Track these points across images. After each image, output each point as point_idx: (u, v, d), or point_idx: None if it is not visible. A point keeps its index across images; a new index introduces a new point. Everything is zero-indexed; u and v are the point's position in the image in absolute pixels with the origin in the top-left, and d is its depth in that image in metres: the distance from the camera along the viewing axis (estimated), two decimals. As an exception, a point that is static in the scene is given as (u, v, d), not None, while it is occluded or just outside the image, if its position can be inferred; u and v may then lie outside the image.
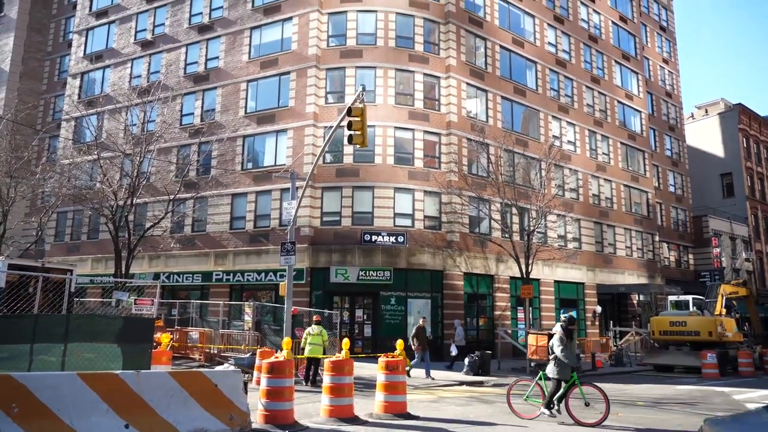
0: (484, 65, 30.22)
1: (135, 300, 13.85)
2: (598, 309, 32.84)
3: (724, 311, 25.70)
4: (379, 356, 10.68)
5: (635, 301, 35.36)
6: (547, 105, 33.27)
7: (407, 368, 15.66)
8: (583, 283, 33.06)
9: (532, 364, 21.08)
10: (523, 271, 23.63)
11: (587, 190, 34.78)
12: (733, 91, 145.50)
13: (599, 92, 37.28)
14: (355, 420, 9.60)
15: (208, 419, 8.03)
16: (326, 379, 9.77)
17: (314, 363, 15.52)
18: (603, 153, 36.68)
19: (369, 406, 10.52)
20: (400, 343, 11.33)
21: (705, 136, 52.13)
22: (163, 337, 13.71)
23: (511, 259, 25.29)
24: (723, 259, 43.19)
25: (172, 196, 24.67)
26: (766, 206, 51.64)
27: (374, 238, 25.32)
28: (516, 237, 26.79)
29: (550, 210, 27.03)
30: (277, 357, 9.45)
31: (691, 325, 23.75)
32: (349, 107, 13.55)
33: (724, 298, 26.23)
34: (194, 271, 28.57)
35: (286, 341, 10.64)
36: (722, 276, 40.22)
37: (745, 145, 51.11)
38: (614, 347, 27.33)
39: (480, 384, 18.24)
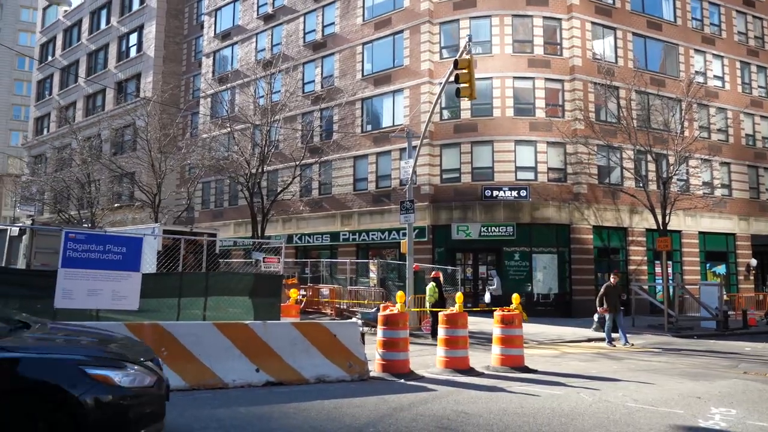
0: (611, 0, 27.68)
1: (264, 258, 14.97)
2: (753, 262, 29.52)
3: None
4: (495, 310, 10.62)
5: (801, 253, 31.19)
6: (688, 37, 29.77)
7: (606, 337, 15.46)
8: (734, 234, 29.81)
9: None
10: (660, 222, 21.82)
11: (738, 129, 30.90)
12: None
13: (754, 16, 32.54)
14: (470, 371, 9.70)
15: (329, 366, 8.59)
16: (440, 331, 9.94)
17: (434, 317, 15.84)
18: (759, 86, 32.20)
19: (489, 359, 10.54)
20: (516, 298, 11.14)
21: None
22: (292, 293, 14.74)
23: (646, 210, 23.48)
24: None
25: (298, 162, 26.03)
26: None
27: (495, 193, 24.80)
28: (652, 186, 24.73)
29: (691, 154, 24.48)
30: (392, 310, 9.78)
31: None
32: (456, 59, 13.19)
33: None
34: (323, 232, 30.12)
35: (399, 295, 10.91)
36: None
37: None
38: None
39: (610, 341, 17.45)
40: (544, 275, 24.84)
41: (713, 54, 30.57)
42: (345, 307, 22.35)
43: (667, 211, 21.83)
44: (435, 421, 6.47)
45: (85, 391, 3.99)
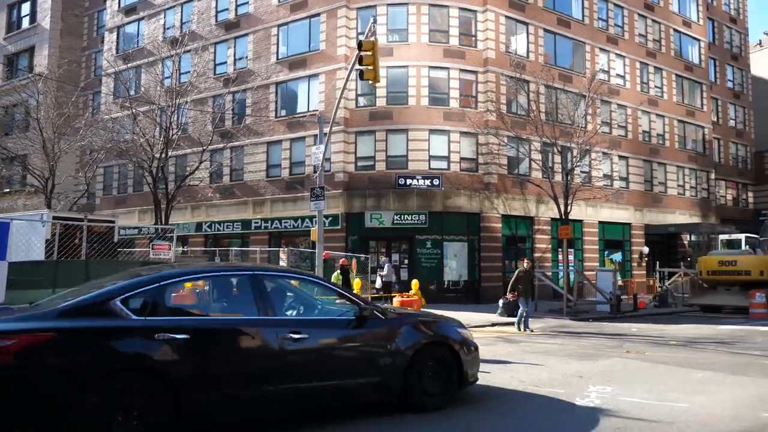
0: (523, -4, 28.54)
1: (153, 246, 14.18)
2: (645, 250, 31.69)
3: (781, 250, 24.25)
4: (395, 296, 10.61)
5: (686, 242, 33.86)
6: (594, 36, 31.28)
7: (524, 322, 15.54)
8: (630, 224, 31.84)
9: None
10: (562, 211, 22.83)
11: (637, 126, 32.95)
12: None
13: (653, 20, 34.71)
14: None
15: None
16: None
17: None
18: (655, 86, 34.46)
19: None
20: (415, 284, 11.19)
21: (772, 64, 48.10)
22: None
23: (551, 200, 24.42)
24: (787, 196, 40.58)
25: (206, 147, 24.95)
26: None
27: (409, 181, 24.97)
28: (557, 177, 25.81)
29: (592, 147, 25.74)
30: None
31: (741, 265, 22.53)
32: (360, 41, 13.00)
33: (782, 236, 24.72)
34: (234, 220, 29.18)
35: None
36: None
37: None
38: (660, 288, 26.40)
39: (512, 325, 18.05)
40: (455, 263, 25.38)
41: (616, 53, 32.31)
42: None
43: (569, 201, 22.84)
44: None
45: (457, 341, 6.56)
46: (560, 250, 27.80)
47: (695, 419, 6.03)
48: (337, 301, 6.41)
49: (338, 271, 16.67)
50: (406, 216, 24.75)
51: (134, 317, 4.74)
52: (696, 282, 25.54)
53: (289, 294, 6.17)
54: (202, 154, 24.65)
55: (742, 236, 25.30)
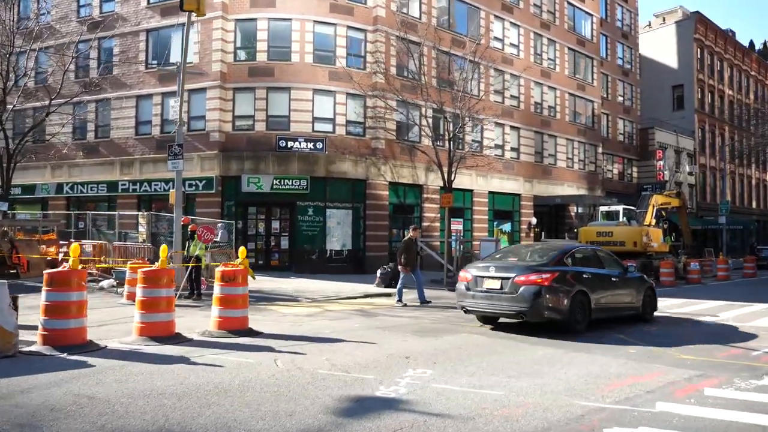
0: (418, -47, 27.20)
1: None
2: (533, 221, 32.15)
3: (653, 222, 25.15)
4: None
5: (573, 213, 34.78)
6: (490, 3, 30.66)
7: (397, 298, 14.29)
8: (519, 195, 32.11)
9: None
10: (445, 179, 22.18)
11: (529, 97, 33.04)
12: None
13: (548, -9, 34.68)
14: (173, 338, 8.15)
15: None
16: (139, 292, 8.21)
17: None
18: (548, 58, 34.65)
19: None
20: (242, 251, 9.77)
21: (660, 45, 50.37)
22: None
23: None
24: (666, 172, 42.86)
25: (61, 98, 21.91)
26: (713, 119, 51.11)
27: (291, 144, 23.31)
28: (452, 145, 25.07)
29: (476, 113, 25.23)
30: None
31: (617, 235, 23.08)
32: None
33: (655, 208, 25.60)
34: (99, 181, 26.26)
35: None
36: (664, 189, 39.93)
37: (699, 56, 49.66)
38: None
39: (388, 296, 17.19)
40: (339, 231, 24.22)
41: (511, 22, 31.96)
42: (112, 265, 19.56)
43: (453, 169, 22.21)
44: (30, 414, 4.78)
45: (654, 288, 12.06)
46: (455, 219, 27.56)
47: (501, 412, 5.13)
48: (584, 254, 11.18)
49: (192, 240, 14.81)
50: (286, 181, 23.15)
51: (572, 267, 10.04)
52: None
53: (603, 258, 11.32)
54: (50, 104, 21.58)
55: (620, 208, 25.94)
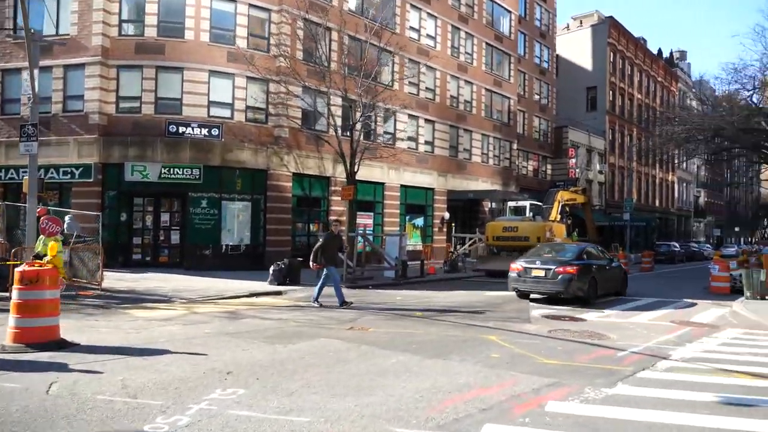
0: (328, -67, 25.91)
1: None
2: (446, 215, 31.78)
3: (558, 217, 25.26)
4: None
5: (486, 209, 34.75)
6: (406, -9, 29.85)
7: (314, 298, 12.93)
8: (433, 189, 31.61)
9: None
10: (348, 170, 21.15)
11: (445, 90, 32.59)
12: (610, 4, 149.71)
13: (466, -16, 34.35)
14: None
15: None
16: None
17: None
18: (466, 52, 34.36)
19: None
20: (53, 247, 8.26)
21: (576, 48, 51.65)
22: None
23: (346, 158, 22.57)
24: (578, 170, 43.92)
25: None
26: (623, 121, 53.05)
27: (182, 129, 21.48)
28: (357, 135, 24.02)
29: (387, 104, 24.37)
30: None
31: (521, 231, 22.92)
32: None
33: (560, 204, 25.74)
34: (-39, 166, 23.30)
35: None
36: (575, 186, 40.82)
37: (611, 60, 51.33)
38: (451, 253, 26.31)
39: (278, 294, 15.96)
40: (236, 224, 22.65)
41: (428, 13, 31.34)
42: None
43: (357, 160, 21.21)
44: None
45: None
46: (361, 213, 26.61)
47: (287, 449, 4.08)
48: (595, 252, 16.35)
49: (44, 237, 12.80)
50: (177, 170, 21.32)
51: (587, 260, 14.91)
52: (484, 247, 25.79)
53: (595, 252, 16.22)
54: None
55: (527, 203, 25.93)
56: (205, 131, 21.66)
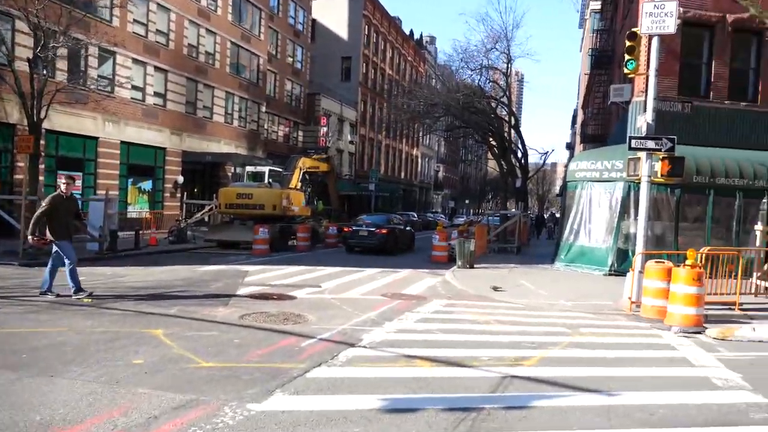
0: None
1: None
2: (180, 179, 28.42)
3: (299, 185, 24.14)
4: None
5: (230, 173, 32.16)
6: None
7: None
8: (165, 148, 27.84)
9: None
10: (31, 116, 16.64)
11: (182, 37, 28.74)
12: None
13: None
14: None
15: None
16: None
17: None
18: (209, -3, 30.82)
19: None
20: None
21: (333, 15, 51.35)
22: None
23: (19, 97, 17.52)
24: (329, 138, 43.91)
25: None
26: (375, 94, 55.01)
27: None
28: (42, 71, 19.07)
29: (94, 39, 20.09)
30: None
31: (257, 198, 21.13)
32: None
33: (302, 171, 24.64)
34: None
35: None
36: (326, 154, 40.60)
37: (366, 32, 52.40)
38: (177, 222, 23.35)
39: None
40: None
41: (161, -57, 26.96)
42: None
43: (43, 104, 16.80)
44: None
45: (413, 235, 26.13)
46: (63, 172, 21.70)
47: None
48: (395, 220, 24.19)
49: None
50: None
51: (393, 225, 22.89)
52: (217, 215, 23.41)
53: (396, 220, 24.44)
54: None
55: (266, 169, 24.26)
56: None
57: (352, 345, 7.13)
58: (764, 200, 15.93)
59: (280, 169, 24.68)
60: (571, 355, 7.11)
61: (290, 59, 41.76)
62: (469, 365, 6.38)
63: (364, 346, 7.10)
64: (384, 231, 21.09)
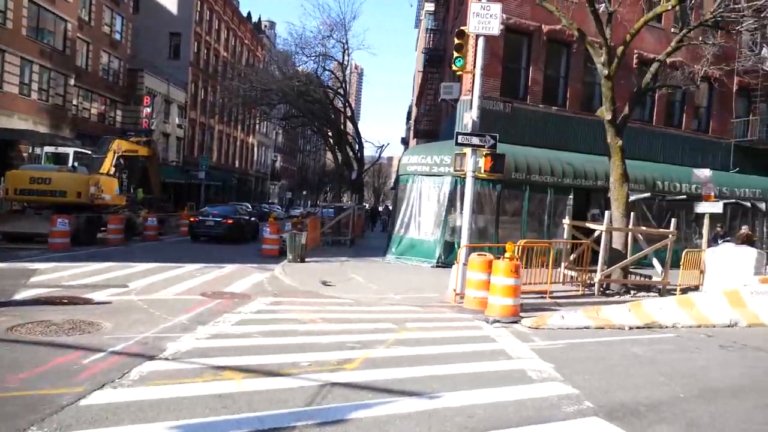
0: None
1: None
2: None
3: (113, 170, 21.42)
4: None
5: (25, 154, 27.60)
6: None
7: None
8: (-64, 121, 22.90)
9: None
10: None
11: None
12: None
13: None
14: None
15: None
16: None
17: None
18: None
19: None
20: None
21: (161, -14, 47.01)
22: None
23: None
24: (154, 120, 40.11)
25: None
26: (207, 76, 51.61)
27: None
28: None
29: None
30: None
31: (56, 183, 18.17)
32: None
33: (117, 155, 21.92)
34: None
35: None
36: (149, 137, 36.93)
37: (198, 8, 48.86)
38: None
39: None
40: None
41: None
42: None
43: None
44: None
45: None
46: None
47: None
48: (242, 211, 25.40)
49: None
50: None
51: (238, 215, 23.85)
52: (4, 203, 19.84)
53: (242, 210, 26.05)
54: None
55: (71, 151, 21.10)
56: None
57: (152, 358, 6.07)
58: (570, 196, 17.60)
59: (90, 152, 21.72)
60: (395, 354, 6.81)
61: (107, 28, 37.18)
62: (287, 374, 5.73)
63: (166, 358, 6.08)
64: (230, 221, 22.02)
